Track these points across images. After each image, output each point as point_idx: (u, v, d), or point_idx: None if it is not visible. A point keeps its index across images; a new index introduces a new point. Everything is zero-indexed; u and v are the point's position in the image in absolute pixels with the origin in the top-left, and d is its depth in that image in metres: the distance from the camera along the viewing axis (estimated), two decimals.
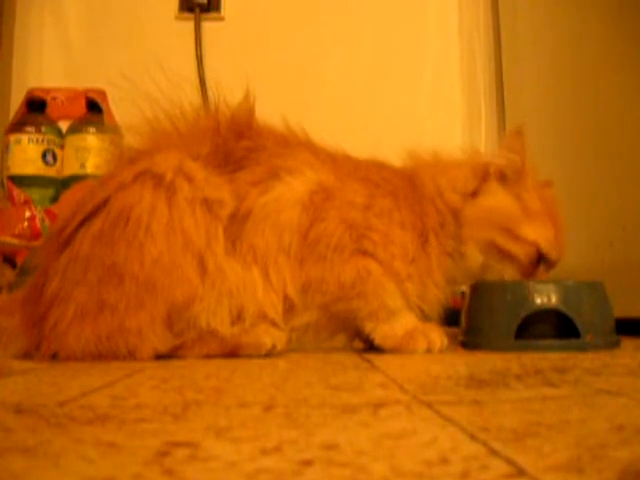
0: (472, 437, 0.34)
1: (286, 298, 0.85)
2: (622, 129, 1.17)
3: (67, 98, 1.58)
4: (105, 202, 0.81)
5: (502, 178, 0.92)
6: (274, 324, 0.84)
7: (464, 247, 0.91)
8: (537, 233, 0.89)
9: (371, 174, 0.91)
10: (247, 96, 0.91)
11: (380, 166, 0.95)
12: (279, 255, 0.84)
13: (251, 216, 0.84)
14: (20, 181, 1.44)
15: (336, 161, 0.92)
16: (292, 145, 0.91)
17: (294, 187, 0.86)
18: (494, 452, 0.31)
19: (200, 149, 0.86)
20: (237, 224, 0.84)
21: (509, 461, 0.29)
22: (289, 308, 0.86)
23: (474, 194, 0.92)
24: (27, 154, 1.46)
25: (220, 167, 0.86)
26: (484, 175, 0.93)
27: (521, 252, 0.89)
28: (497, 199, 0.91)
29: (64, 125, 1.54)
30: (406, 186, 0.92)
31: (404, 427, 0.38)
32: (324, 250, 0.84)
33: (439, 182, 0.92)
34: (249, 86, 0.90)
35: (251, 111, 0.91)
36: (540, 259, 0.90)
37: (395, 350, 0.84)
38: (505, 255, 0.90)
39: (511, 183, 0.92)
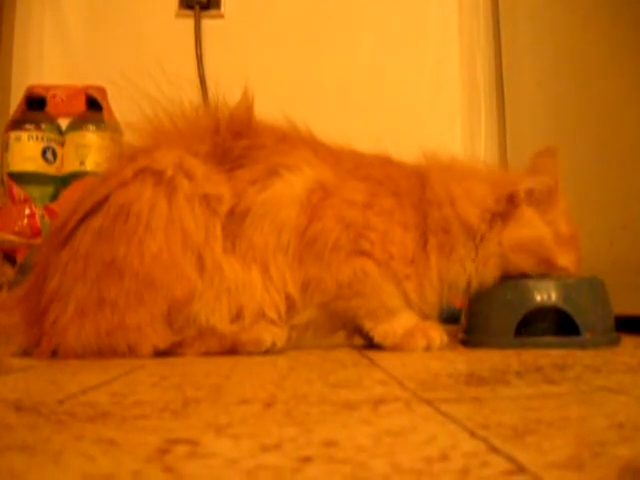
0: (472, 434, 0.34)
1: (287, 296, 0.85)
2: (622, 128, 1.17)
3: (67, 95, 1.58)
4: (105, 199, 0.81)
5: (531, 200, 0.89)
6: (273, 322, 0.84)
7: (483, 265, 0.88)
8: (569, 260, 0.88)
9: (374, 171, 0.90)
10: (246, 94, 0.91)
11: (386, 163, 0.93)
12: (278, 253, 0.84)
13: (250, 214, 0.84)
14: (20, 178, 1.44)
15: (338, 158, 0.91)
16: (291, 142, 0.91)
17: (293, 185, 0.86)
18: (494, 449, 0.31)
19: (199, 147, 0.86)
20: (236, 222, 0.84)
21: (509, 458, 0.29)
22: (290, 306, 0.85)
23: (502, 217, 0.89)
24: (27, 151, 1.46)
25: (219, 165, 0.86)
26: (512, 198, 0.89)
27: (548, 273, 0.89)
28: (535, 229, 0.88)
29: (64, 122, 1.54)
30: (412, 185, 0.90)
31: (404, 424, 0.38)
32: (322, 249, 0.84)
33: (452, 191, 0.89)
34: (248, 84, 0.90)
35: (250, 109, 0.91)
36: None
37: (395, 348, 0.84)
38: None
39: (542, 207, 0.89)
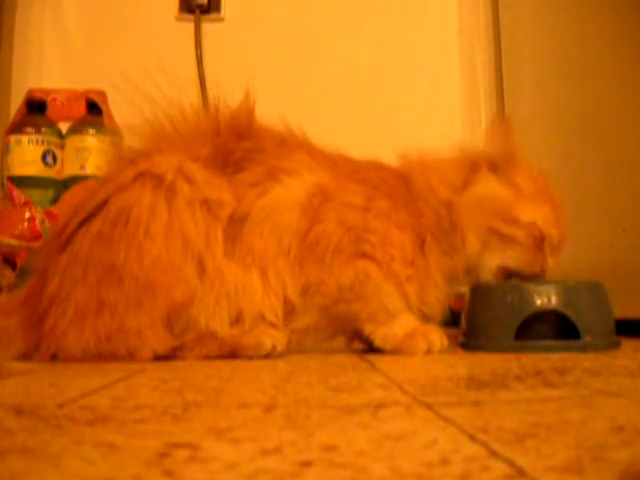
0: (472, 438, 0.34)
1: (286, 300, 0.85)
2: (623, 129, 1.17)
3: (67, 99, 1.58)
4: (105, 202, 0.81)
5: (493, 167, 0.92)
6: (273, 326, 0.84)
7: (461, 237, 0.90)
8: (533, 213, 0.89)
9: (370, 175, 0.91)
10: (247, 97, 0.91)
11: (379, 167, 0.94)
12: (278, 257, 0.84)
13: (249, 218, 0.84)
14: (20, 182, 1.44)
15: (335, 163, 0.92)
16: (291, 146, 0.91)
17: (292, 189, 0.86)
18: (494, 453, 0.31)
19: (200, 150, 0.86)
20: (235, 225, 0.84)
21: (509, 462, 0.29)
22: (290, 310, 0.85)
23: (465, 185, 0.92)
24: (27, 155, 1.46)
25: (220, 168, 0.86)
26: (473, 166, 0.92)
27: (520, 234, 0.89)
28: (487, 186, 0.91)
29: (64, 126, 1.54)
30: (402, 187, 0.91)
31: (404, 428, 0.38)
32: (323, 252, 0.84)
33: (429, 179, 0.92)
34: (249, 87, 0.90)
35: (251, 112, 0.91)
36: (542, 239, 0.89)
37: (395, 351, 0.84)
38: (505, 239, 0.89)
39: (503, 170, 0.92)
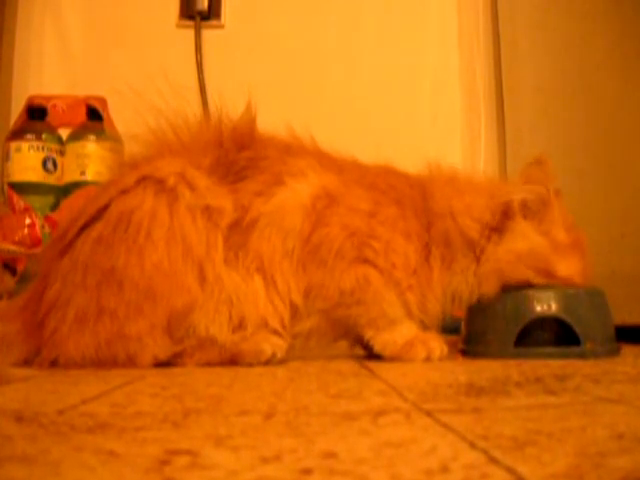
0: (472, 445, 0.34)
1: (291, 304, 0.85)
2: (622, 135, 1.17)
3: (67, 105, 1.58)
4: (107, 206, 0.81)
5: (526, 212, 0.89)
6: (276, 332, 0.84)
7: (483, 279, 0.88)
8: (571, 269, 0.88)
9: (379, 181, 0.90)
10: (249, 107, 0.91)
11: (390, 172, 0.94)
12: (284, 260, 0.84)
13: (258, 224, 0.84)
14: (20, 188, 1.44)
15: (342, 167, 0.91)
16: (295, 152, 0.91)
17: (297, 191, 0.86)
18: (494, 460, 0.31)
19: (202, 160, 0.86)
20: (241, 233, 0.84)
21: (509, 470, 0.29)
22: (294, 313, 0.85)
23: (498, 230, 0.89)
24: (27, 161, 1.46)
25: (222, 178, 0.86)
26: (506, 211, 0.89)
27: (552, 283, 0.88)
28: (528, 241, 0.88)
29: (64, 132, 1.54)
30: (416, 195, 0.91)
31: (404, 435, 0.38)
32: (325, 256, 0.84)
33: (453, 204, 0.89)
34: (250, 97, 0.90)
35: (253, 122, 0.91)
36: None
37: (395, 358, 0.84)
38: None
39: (537, 217, 0.89)
